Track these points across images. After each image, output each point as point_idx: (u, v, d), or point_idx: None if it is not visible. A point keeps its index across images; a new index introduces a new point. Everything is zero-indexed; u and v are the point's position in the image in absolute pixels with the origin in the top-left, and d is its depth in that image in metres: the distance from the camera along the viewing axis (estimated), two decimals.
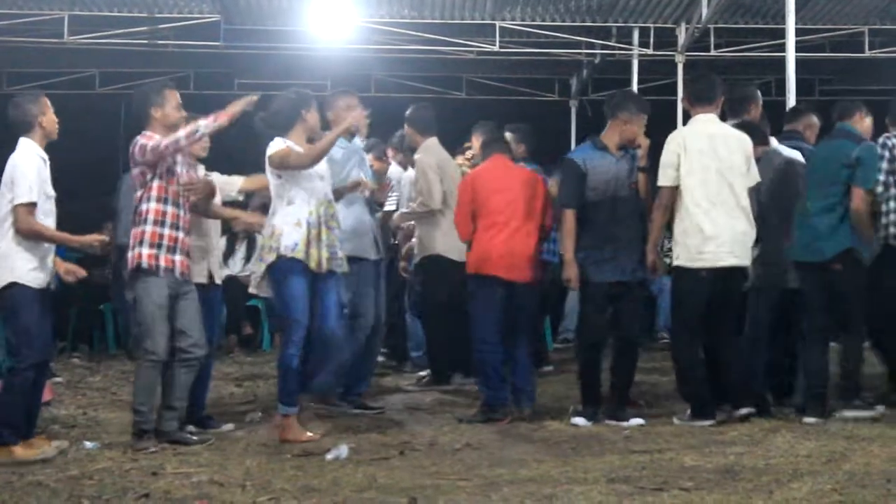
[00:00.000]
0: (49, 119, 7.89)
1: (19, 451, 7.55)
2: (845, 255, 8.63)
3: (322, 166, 8.42)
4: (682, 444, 7.79)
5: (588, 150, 8.86)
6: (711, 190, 8.45)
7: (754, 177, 8.61)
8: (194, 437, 8.12)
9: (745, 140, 8.64)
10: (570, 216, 8.72)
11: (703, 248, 8.43)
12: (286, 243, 8.20)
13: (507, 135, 11.07)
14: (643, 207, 8.80)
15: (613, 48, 15.80)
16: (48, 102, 7.95)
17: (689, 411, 8.57)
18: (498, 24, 14.78)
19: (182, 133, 7.94)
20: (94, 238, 7.98)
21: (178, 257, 8.03)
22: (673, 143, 8.62)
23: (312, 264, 8.21)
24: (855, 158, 8.65)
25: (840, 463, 7.02)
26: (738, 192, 8.49)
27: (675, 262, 8.60)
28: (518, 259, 9.05)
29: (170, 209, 8.02)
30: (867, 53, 15.48)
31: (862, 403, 8.64)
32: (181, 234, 8.07)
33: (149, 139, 7.97)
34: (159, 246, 7.96)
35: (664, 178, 8.55)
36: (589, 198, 8.70)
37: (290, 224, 8.24)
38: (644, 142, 8.79)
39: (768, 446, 7.59)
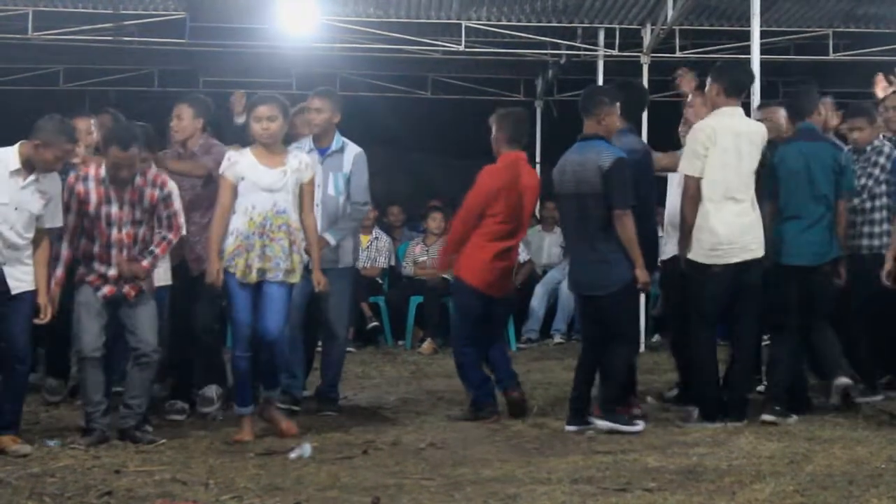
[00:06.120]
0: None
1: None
2: (837, 261, 8.74)
3: (269, 179, 8.31)
4: (645, 445, 7.82)
5: (617, 150, 8.38)
6: (730, 187, 8.42)
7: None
8: (150, 436, 8.11)
9: (762, 131, 8.66)
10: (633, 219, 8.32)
11: (715, 246, 8.40)
12: (224, 250, 8.27)
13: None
14: None
15: (579, 49, 15.78)
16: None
17: (695, 413, 8.54)
18: (464, 23, 14.74)
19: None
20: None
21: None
22: (702, 134, 8.54)
23: (238, 273, 8.22)
24: (842, 166, 8.76)
25: (802, 464, 7.07)
26: (750, 188, 8.48)
27: (689, 256, 8.53)
28: (502, 277, 9.03)
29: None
30: (831, 56, 15.52)
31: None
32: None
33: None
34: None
35: (691, 168, 8.49)
36: None
37: (230, 233, 8.28)
38: None
39: (731, 447, 7.63)
